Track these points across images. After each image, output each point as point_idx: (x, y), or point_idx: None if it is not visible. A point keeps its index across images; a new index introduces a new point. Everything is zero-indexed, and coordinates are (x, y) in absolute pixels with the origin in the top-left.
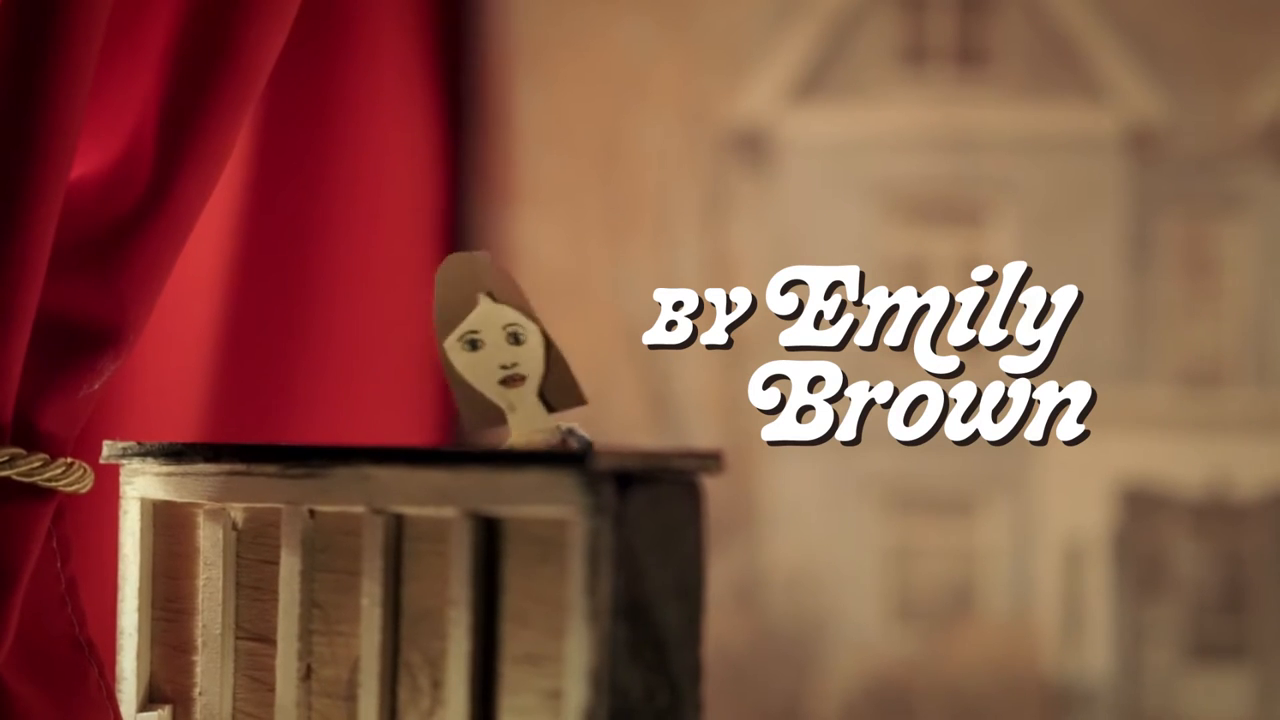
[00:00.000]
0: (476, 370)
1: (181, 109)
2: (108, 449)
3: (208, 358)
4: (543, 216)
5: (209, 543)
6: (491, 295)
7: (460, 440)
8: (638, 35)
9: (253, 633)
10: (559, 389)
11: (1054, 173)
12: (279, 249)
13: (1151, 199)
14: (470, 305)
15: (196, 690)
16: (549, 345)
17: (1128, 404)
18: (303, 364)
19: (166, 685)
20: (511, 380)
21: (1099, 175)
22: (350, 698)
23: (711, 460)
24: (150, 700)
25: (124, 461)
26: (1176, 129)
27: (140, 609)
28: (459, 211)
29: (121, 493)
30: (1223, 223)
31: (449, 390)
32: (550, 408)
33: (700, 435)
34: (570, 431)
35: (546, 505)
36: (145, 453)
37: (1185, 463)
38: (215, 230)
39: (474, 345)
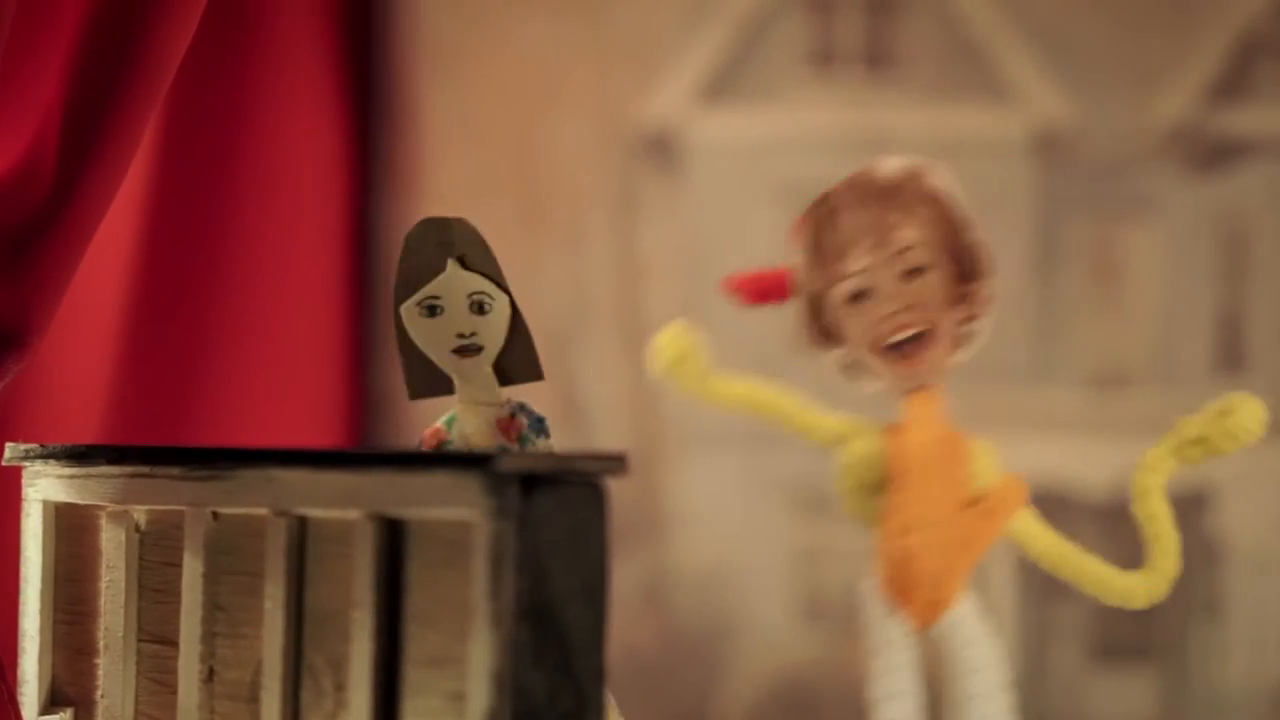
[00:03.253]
0: (431, 336)
1: (85, 111)
2: (10, 451)
3: (112, 359)
4: (453, 215)
5: (112, 545)
6: (462, 261)
7: (367, 442)
8: (549, 35)
9: (156, 635)
10: (519, 362)
11: (962, 175)
12: (184, 249)
13: (1059, 202)
14: (436, 270)
15: (99, 693)
16: (515, 317)
17: (1034, 405)
18: (208, 365)
19: (69, 688)
20: (467, 350)
21: (1007, 177)
22: (253, 700)
23: (616, 462)
24: (52, 703)
25: (26, 464)
26: (1084, 132)
27: (42, 612)
28: (368, 210)
29: (24, 495)
30: (1130, 226)
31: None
32: (505, 380)
33: (609, 437)
34: (521, 407)
35: (451, 507)
36: (48, 455)
37: (1092, 464)
38: (120, 231)
39: (433, 311)
